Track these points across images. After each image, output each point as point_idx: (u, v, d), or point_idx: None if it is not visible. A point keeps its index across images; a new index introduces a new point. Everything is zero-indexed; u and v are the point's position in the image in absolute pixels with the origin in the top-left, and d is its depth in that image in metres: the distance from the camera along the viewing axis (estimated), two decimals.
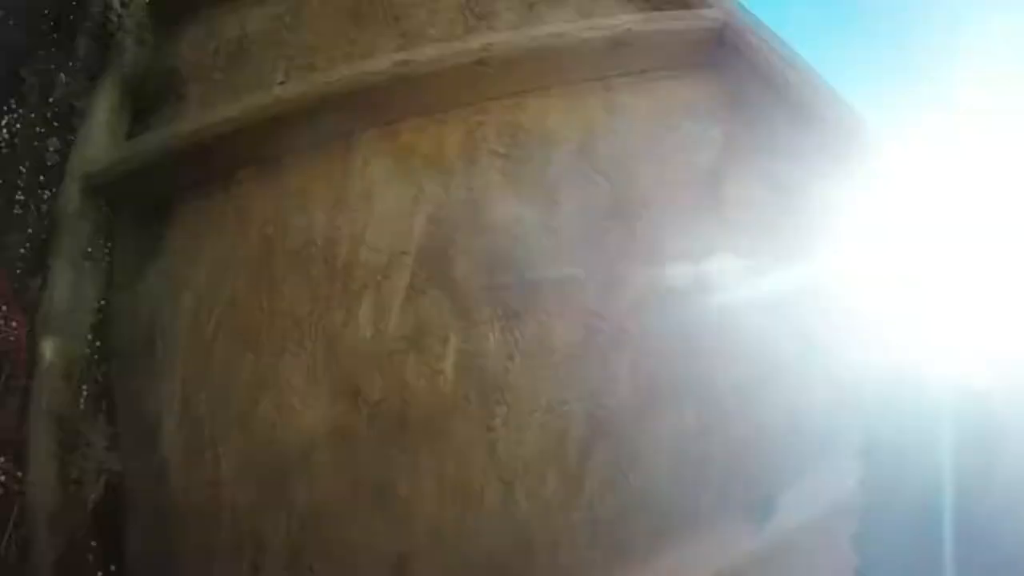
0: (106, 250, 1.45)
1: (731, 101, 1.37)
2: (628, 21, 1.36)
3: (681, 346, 1.10)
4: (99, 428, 1.30)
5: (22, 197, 1.48)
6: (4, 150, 1.52)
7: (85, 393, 1.30)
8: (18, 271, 1.40)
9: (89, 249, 1.41)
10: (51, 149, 1.56)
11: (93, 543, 1.22)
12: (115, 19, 1.82)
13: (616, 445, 1.02)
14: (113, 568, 1.22)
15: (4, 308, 1.33)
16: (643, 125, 1.33)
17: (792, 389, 1.09)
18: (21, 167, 1.50)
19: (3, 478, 1.34)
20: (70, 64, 1.71)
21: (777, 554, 0.97)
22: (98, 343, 1.35)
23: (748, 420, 1.08)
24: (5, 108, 1.56)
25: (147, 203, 1.42)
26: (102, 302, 1.38)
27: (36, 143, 1.57)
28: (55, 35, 1.71)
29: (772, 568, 0.98)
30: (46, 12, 1.71)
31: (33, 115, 1.60)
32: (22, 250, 1.42)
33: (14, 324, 1.32)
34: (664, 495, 1.01)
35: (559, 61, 1.35)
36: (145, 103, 1.64)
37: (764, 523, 0.97)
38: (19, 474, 1.37)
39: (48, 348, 1.29)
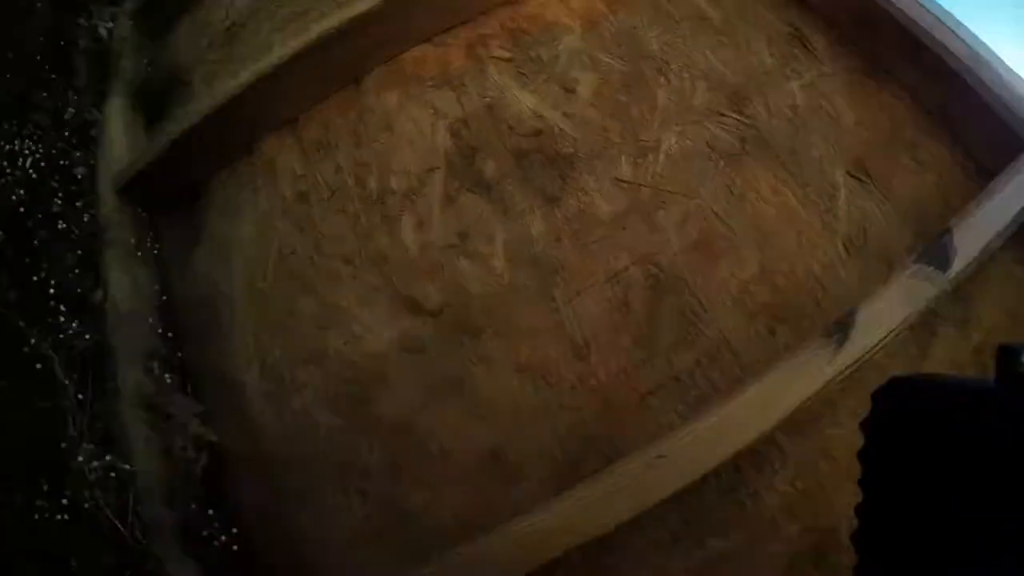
0: (152, 244, 1.50)
1: None
2: None
3: (727, 193, 1.09)
4: (188, 406, 1.37)
5: (61, 213, 1.54)
6: (33, 175, 1.59)
7: (168, 379, 1.37)
8: (75, 284, 1.47)
9: (136, 247, 1.47)
10: (77, 165, 1.62)
11: (210, 510, 1.30)
12: (106, 33, 1.86)
13: (681, 300, 1.03)
14: (235, 530, 1.29)
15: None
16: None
17: None
18: (54, 184, 1.56)
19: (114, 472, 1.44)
20: (73, 84, 1.76)
21: (862, 371, 0.96)
22: (167, 331, 1.41)
23: (811, 252, 1.07)
24: (24, 134, 1.62)
25: (180, 189, 1.47)
26: (161, 293, 1.44)
27: (61, 162, 1.63)
28: (52, 59, 1.76)
29: (859, 387, 0.97)
30: (41, 39, 1.76)
31: (52, 137, 1.66)
32: (74, 264, 1.49)
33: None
34: (738, 339, 1.01)
35: None
36: (156, 107, 1.68)
37: (844, 344, 0.95)
38: (127, 466, 1.47)
39: (122, 347, 1.36)
